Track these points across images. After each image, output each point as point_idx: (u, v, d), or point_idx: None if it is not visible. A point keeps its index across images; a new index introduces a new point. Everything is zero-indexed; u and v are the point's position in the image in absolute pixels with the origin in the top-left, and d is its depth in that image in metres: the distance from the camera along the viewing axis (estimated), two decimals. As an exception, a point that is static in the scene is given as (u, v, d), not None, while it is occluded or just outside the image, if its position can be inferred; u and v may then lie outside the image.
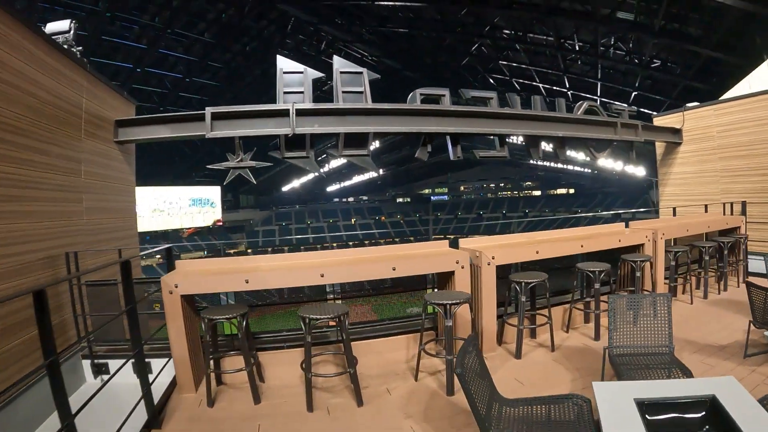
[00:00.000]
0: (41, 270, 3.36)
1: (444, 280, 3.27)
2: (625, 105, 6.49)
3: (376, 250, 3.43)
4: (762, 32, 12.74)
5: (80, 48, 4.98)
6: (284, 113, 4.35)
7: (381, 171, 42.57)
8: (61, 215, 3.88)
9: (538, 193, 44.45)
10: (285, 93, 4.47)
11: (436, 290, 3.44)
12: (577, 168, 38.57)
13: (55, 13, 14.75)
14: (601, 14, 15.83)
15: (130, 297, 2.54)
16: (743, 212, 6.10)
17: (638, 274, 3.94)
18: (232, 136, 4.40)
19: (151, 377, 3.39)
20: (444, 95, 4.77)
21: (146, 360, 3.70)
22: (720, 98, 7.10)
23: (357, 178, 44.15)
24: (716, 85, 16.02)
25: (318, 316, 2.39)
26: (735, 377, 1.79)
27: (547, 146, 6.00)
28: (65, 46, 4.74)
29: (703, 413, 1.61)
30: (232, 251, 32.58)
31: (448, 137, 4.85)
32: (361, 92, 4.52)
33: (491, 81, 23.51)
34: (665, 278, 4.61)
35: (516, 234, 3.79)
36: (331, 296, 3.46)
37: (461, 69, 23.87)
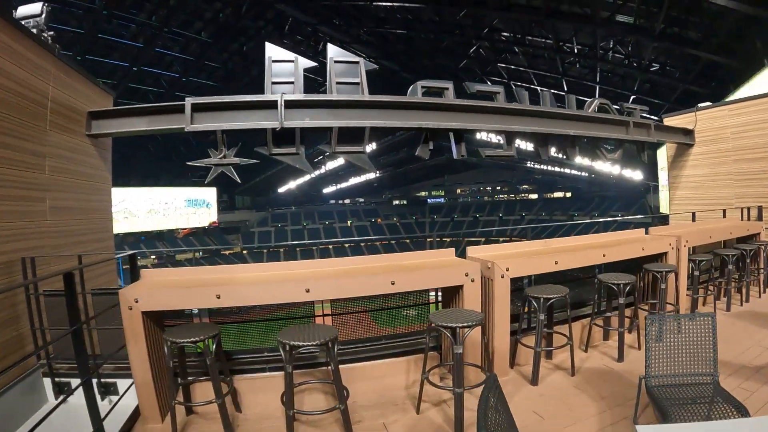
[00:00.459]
0: (-8, 278, 2.93)
1: (450, 293, 2.85)
2: (636, 104, 6.11)
3: (372, 259, 2.97)
4: (763, 36, 12.57)
5: (52, 33, 4.57)
6: (272, 105, 3.93)
7: (377, 173, 42.31)
8: (21, 215, 3.46)
9: (534, 196, 44.30)
10: (273, 83, 4.05)
11: (440, 305, 3.03)
12: (573, 171, 38.47)
13: (51, 10, 14.36)
14: (601, 17, 15.64)
15: (74, 314, 2.11)
16: (759, 217, 5.76)
17: (663, 285, 3.56)
18: (214, 130, 3.97)
19: (114, 399, 2.98)
20: (447, 88, 4.38)
21: (112, 380, 3.31)
22: (729, 98, 6.80)
23: (353, 180, 43.85)
24: (715, 89, 15.91)
25: (301, 343, 1.97)
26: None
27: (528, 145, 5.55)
28: (34, 30, 4.33)
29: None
30: (227, 252, 32.27)
31: (451, 134, 4.45)
32: (357, 83, 4.11)
33: (489, 83, 23.30)
34: (687, 289, 4.24)
35: (529, 242, 3.38)
36: (320, 310, 3.03)
37: (459, 71, 23.64)
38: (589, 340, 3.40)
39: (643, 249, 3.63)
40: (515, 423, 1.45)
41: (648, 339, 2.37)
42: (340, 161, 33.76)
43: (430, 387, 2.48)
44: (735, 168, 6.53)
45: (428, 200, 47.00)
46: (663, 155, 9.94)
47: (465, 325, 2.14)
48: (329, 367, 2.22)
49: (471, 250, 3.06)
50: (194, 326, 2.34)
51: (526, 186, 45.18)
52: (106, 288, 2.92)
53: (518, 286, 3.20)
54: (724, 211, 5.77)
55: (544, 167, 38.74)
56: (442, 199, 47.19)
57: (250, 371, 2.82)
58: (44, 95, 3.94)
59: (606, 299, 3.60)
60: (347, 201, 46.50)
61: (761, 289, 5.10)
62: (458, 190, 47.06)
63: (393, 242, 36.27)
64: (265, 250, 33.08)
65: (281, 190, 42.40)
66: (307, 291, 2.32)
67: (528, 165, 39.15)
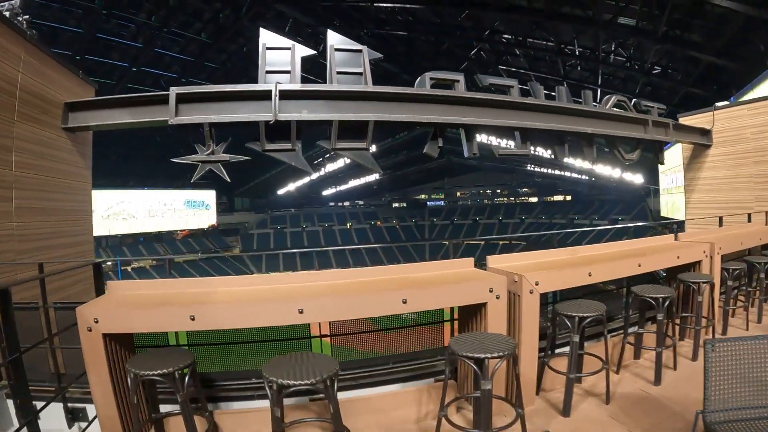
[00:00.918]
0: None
1: (469, 311, 2.42)
2: (653, 103, 5.78)
3: (378, 271, 2.48)
4: (767, 39, 12.36)
5: (27, 17, 4.18)
6: (266, 95, 3.54)
7: (377, 175, 41.98)
8: (-21, 217, 3.06)
9: (534, 199, 44.06)
10: (268, 72, 3.67)
11: (455, 323, 2.63)
12: (574, 175, 38.21)
13: (50, 9, 14.19)
14: (603, 19, 15.42)
15: (12, 340, 1.70)
16: (780, 222, 5.41)
17: (699, 298, 3.19)
18: (200, 123, 3.58)
19: (84, 425, 2.60)
20: (458, 81, 4.00)
21: (81, 405, 2.91)
22: (728, 101, 6.48)
23: (353, 182, 43.52)
24: (716, 92, 15.69)
25: (292, 382, 1.56)
26: None
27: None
28: (6, 14, 3.96)
29: None
30: (226, 254, 31.89)
31: (462, 130, 4.07)
32: (360, 73, 3.73)
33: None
34: (719, 301, 3.87)
35: (554, 249, 2.99)
36: (316, 328, 2.62)
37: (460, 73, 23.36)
38: (621, 359, 3.01)
39: (678, 257, 3.25)
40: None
41: (708, 366, 1.99)
42: (340, 163, 33.41)
43: (449, 426, 2.08)
44: (756, 170, 6.19)
45: (428, 203, 46.76)
46: (669, 157, 9.63)
47: (495, 356, 1.74)
48: (327, 402, 1.83)
49: (491, 260, 2.65)
50: (164, 352, 1.94)
51: (525, 189, 44.96)
52: (67, 302, 2.53)
53: (544, 301, 2.82)
54: (749, 215, 5.42)
55: (544, 170, 38.51)
56: (442, 202, 46.96)
57: (235, 399, 2.42)
58: (11, 82, 3.54)
59: (638, 313, 3.22)
60: (347, 203, 46.21)
61: (792, 300, 4.73)
62: (458, 193, 46.82)
63: (392, 245, 35.86)
64: (263, 253, 32.66)
65: (281, 192, 42.06)
66: (301, 312, 1.90)
67: (528, 168, 38.93)
